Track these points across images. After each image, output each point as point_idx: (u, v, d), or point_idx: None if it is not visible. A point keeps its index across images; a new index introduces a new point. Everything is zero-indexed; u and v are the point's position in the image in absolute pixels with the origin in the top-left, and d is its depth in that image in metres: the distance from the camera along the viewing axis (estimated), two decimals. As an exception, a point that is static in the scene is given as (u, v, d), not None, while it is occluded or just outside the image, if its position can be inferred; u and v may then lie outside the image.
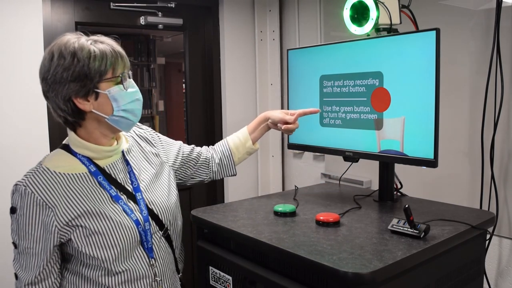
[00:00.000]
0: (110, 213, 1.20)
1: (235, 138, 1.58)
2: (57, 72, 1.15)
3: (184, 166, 1.50)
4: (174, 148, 1.50)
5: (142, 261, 1.24)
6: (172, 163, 1.47)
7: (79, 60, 1.14)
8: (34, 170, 1.20)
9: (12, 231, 1.21)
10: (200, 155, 1.55)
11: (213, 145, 1.61)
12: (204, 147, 1.60)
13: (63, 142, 1.28)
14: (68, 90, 1.15)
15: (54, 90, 1.16)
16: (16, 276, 1.23)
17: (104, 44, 1.19)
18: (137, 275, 1.23)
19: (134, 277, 1.23)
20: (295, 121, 1.54)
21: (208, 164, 1.55)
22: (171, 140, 1.53)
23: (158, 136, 1.49)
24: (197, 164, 1.54)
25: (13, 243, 1.22)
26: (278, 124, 1.56)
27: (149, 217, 1.26)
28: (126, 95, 1.21)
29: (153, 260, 1.26)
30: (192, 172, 1.53)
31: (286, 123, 1.54)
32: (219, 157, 1.56)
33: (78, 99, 1.17)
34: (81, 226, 1.18)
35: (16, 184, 1.18)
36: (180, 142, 1.54)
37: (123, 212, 1.22)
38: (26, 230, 1.18)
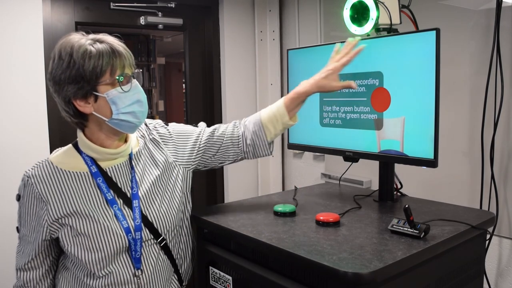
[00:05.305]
0: (100, 217, 1.19)
1: (271, 114, 1.39)
2: (56, 74, 1.14)
3: (206, 154, 1.39)
4: (189, 142, 1.38)
5: (126, 267, 1.22)
6: (187, 160, 1.37)
7: (75, 62, 1.12)
8: (41, 162, 1.23)
9: (18, 216, 1.26)
10: (224, 135, 1.40)
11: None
12: (232, 122, 1.45)
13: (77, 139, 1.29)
14: (67, 92, 1.15)
15: (56, 91, 1.17)
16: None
17: (103, 43, 1.16)
18: (120, 280, 1.21)
19: (117, 281, 1.21)
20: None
21: (238, 144, 1.40)
22: (188, 130, 1.41)
23: (170, 134, 1.38)
24: (222, 147, 1.40)
25: (17, 227, 1.27)
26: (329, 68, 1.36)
27: (142, 226, 1.23)
28: (125, 98, 1.18)
29: (139, 271, 1.22)
30: (218, 156, 1.41)
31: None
32: (250, 136, 1.40)
33: (77, 101, 1.16)
34: (69, 225, 1.18)
35: (24, 173, 1.22)
36: (199, 129, 1.42)
37: (114, 218, 1.20)
38: (25, 219, 1.22)
